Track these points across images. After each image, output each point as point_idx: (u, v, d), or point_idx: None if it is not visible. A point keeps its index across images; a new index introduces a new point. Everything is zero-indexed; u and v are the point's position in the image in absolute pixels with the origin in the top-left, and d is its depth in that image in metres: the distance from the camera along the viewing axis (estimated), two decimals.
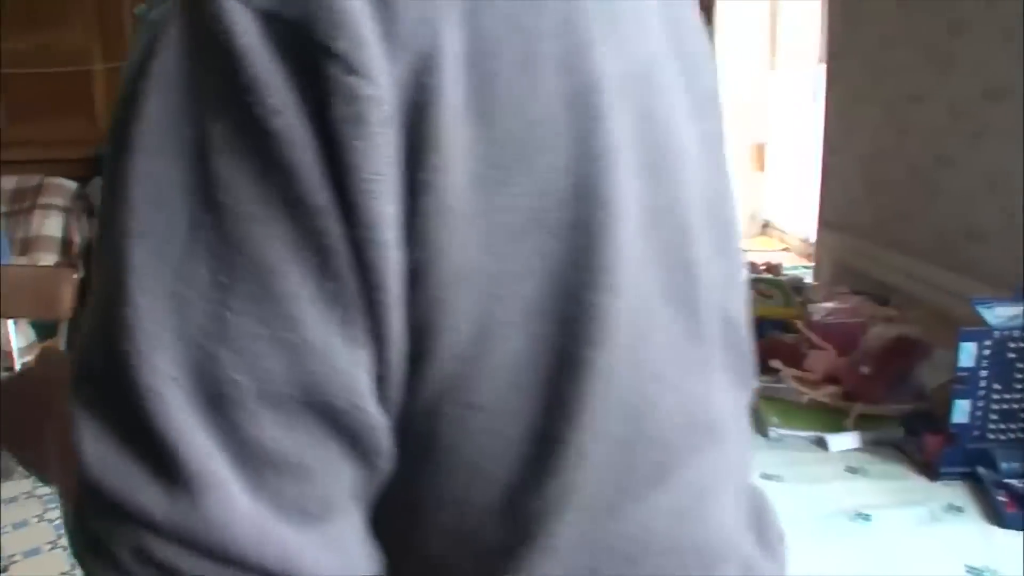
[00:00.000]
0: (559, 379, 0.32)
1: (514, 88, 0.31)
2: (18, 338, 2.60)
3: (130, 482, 0.29)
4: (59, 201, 3.89)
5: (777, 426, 1.20)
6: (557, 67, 0.31)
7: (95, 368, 0.31)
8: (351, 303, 0.30)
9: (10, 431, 0.50)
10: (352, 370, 0.30)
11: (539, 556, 0.33)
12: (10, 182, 3.96)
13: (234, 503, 0.29)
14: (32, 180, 3.95)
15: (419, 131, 0.29)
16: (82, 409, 0.30)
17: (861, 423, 1.18)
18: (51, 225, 3.82)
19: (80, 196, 3.97)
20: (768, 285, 1.68)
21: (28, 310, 2.59)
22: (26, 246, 3.73)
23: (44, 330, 3.10)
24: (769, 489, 0.51)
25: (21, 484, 2.66)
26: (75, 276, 2.48)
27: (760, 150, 3.50)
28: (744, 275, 0.50)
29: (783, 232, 3.31)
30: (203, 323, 0.29)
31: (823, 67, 2.38)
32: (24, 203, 3.90)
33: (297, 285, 0.29)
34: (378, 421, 0.31)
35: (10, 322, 2.55)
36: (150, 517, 0.29)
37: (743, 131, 3.38)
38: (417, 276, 0.30)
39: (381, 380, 0.31)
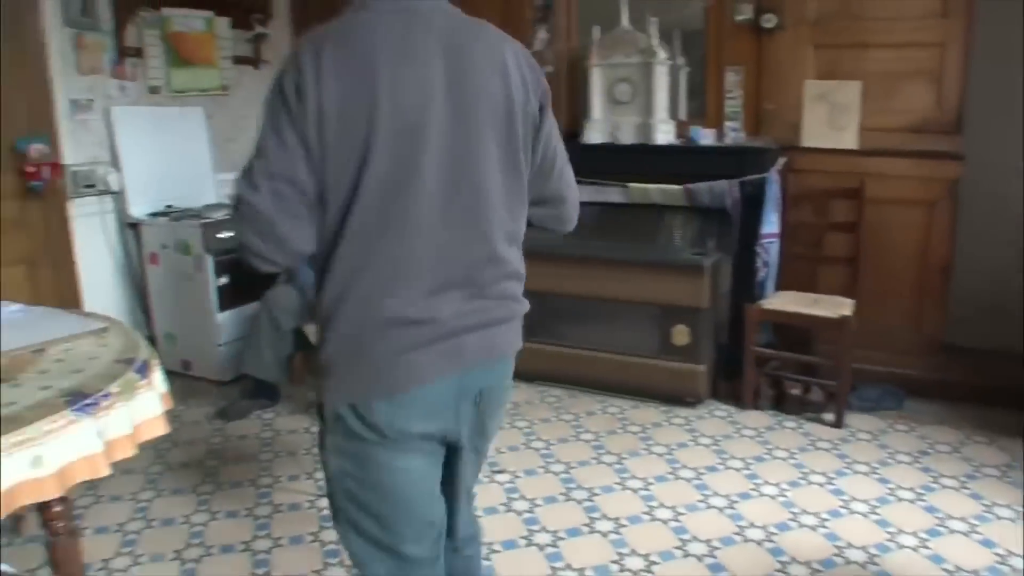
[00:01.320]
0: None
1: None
2: None
3: (245, 191, 1.32)
4: None
5: None
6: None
7: (244, 173, 1.33)
8: (301, 152, 1.30)
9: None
10: (298, 168, 1.30)
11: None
12: None
13: (263, 200, 1.30)
14: None
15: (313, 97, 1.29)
16: (240, 180, 1.33)
17: None
18: None
19: None
20: None
21: None
22: None
23: None
24: None
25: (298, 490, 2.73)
26: None
27: None
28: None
29: None
30: (256, 157, 1.32)
31: None
32: None
33: (275, 142, 1.30)
34: (309, 185, 1.31)
35: None
36: (251, 206, 1.31)
37: None
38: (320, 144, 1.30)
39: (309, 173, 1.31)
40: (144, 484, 2.96)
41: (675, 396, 3.57)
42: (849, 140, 3.56)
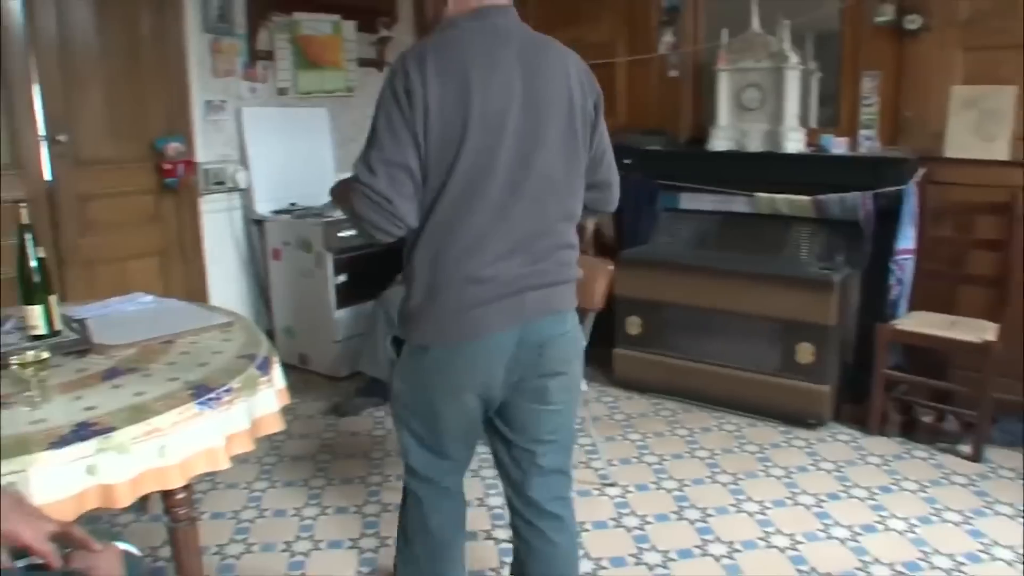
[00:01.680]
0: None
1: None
2: None
3: (365, 175, 1.56)
4: None
5: None
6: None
7: (362, 159, 1.58)
8: (412, 144, 1.55)
9: (339, 196, 1.78)
10: (409, 157, 1.55)
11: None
12: None
13: (381, 183, 1.54)
14: None
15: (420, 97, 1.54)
16: (359, 165, 1.58)
17: None
18: None
19: None
20: None
21: None
22: None
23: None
24: None
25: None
26: (610, 268, 2.72)
27: None
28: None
29: None
30: (365, 149, 1.58)
31: None
32: None
33: (389, 136, 1.56)
34: (416, 171, 1.56)
35: None
36: (370, 187, 1.55)
37: None
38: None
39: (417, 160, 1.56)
40: (259, 474, 3.04)
41: (796, 416, 3.40)
42: (1000, 150, 3.29)
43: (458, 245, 1.61)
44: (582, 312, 2.78)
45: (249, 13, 4.18)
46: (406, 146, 1.55)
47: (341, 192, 1.74)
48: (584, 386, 2.71)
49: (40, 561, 1.23)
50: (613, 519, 2.70)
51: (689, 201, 3.91)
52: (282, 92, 4.41)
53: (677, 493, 2.87)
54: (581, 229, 4.01)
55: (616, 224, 4.17)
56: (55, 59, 3.49)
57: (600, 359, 3.92)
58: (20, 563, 1.24)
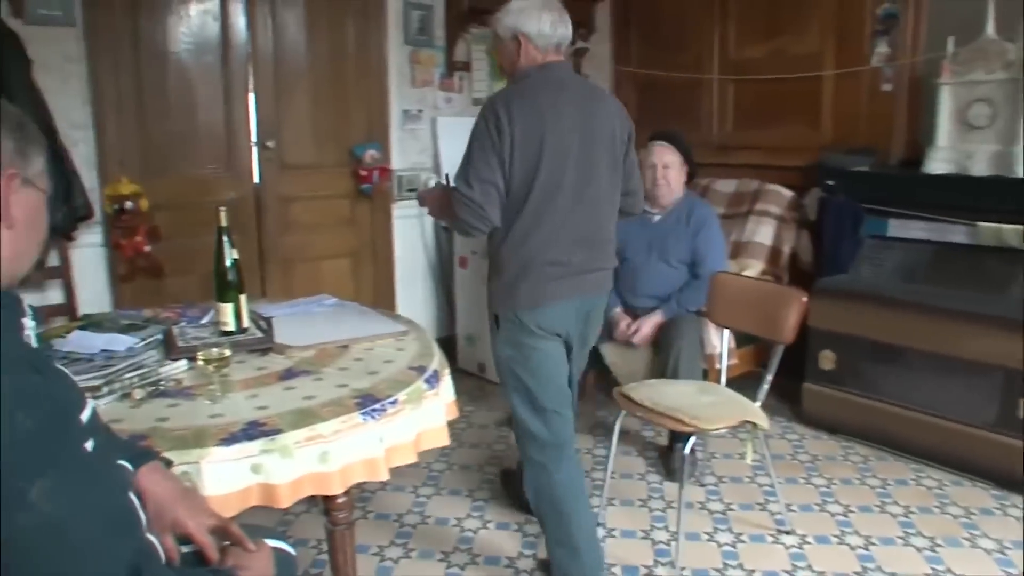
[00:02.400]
0: None
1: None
2: (724, 343, 2.84)
3: (464, 188, 2.09)
4: (774, 209, 3.95)
5: None
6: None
7: (462, 177, 2.12)
8: (498, 166, 2.09)
9: (437, 203, 2.34)
10: (496, 176, 2.10)
11: None
12: (730, 185, 4.19)
13: (477, 194, 2.08)
14: (751, 185, 4.10)
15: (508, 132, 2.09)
16: (453, 195, 2.14)
17: None
18: (763, 232, 3.90)
19: (794, 206, 3.98)
20: None
21: (749, 323, 2.75)
22: (737, 250, 3.88)
23: (745, 338, 3.33)
24: None
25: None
26: (803, 300, 2.56)
27: None
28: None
29: None
30: (463, 168, 2.13)
31: None
32: (741, 207, 4.06)
33: (481, 160, 2.09)
34: (501, 188, 2.12)
35: (725, 330, 2.84)
36: (469, 198, 2.09)
37: None
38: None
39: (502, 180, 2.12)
40: (426, 479, 3.08)
41: (1012, 480, 2.98)
42: None
43: (539, 239, 2.17)
44: (770, 344, 2.60)
45: (448, 25, 4.30)
46: (495, 168, 2.11)
47: (440, 199, 2.34)
48: (765, 422, 2.53)
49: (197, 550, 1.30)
50: (786, 572, 2.48)
51: (898, 228, 3.55)
52: (477, 103, 4.49)
53: (862, 551, 2.59)
54: (777, 254, 3.82)
55: (814, 250, 3.88)
56: (270, 71, 3.75)
57: (786, 392, 3.66)
58: (184, 548, 1.30)
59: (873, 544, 2.63)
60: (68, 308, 3.25)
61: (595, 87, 2.42)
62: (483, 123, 2.11)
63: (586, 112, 2.20)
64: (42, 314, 3.09)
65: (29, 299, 3.12)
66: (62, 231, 3.18)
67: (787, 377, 3.44)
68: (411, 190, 4.27)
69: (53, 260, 3.25)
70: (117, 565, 0.98)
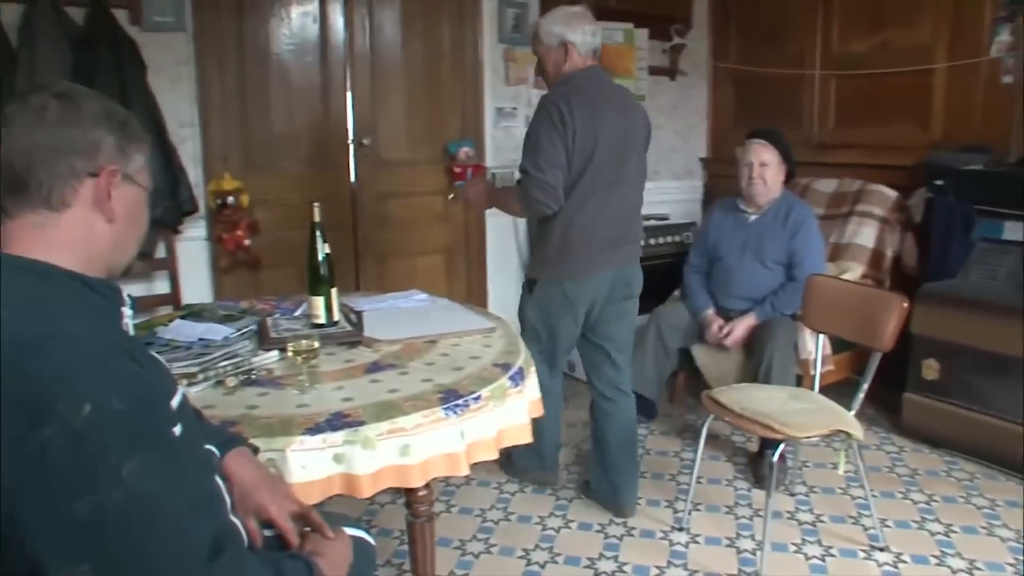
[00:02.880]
0: None
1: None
2: (819, 348, 2.75)
3: (536, 172, 2.46)
4: (877, 210, 3.80)
5: None
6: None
7: (531, 162, 2.48)
8: (564, 150, 2.46)
9: (485, 197, 2.90)
10: (564, 160, 2.47)
11: None
12: (830, 185, 4.05)
13: (549, 177, 2.45)
14: (853, 185, 3.95)
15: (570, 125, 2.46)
16: (524, 177, 2.52)
17: None
18: (865, 234, 3.76)
19: (899, 207, 3.81)
20: None
21: (845, 328, 2.65)
22: (836, 252, 3.77)
23: (842, 344, 3.26)
24: None
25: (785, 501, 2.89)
26: (904, 305, 2.44)
27: None
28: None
29: None
30: (532, 153, 2.49)
31: None
32: (842, 208, 3.91)
33: (551, 147, 2.45)
34: (565, 170, 2.49)
35: (821, 335, 2.76)
36: (544, 180, 2.45)
37: None
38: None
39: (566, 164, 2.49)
40: (512, 476, 3.09)
41: None
42: None
43: (584, 217, 2.54)
44: (867, 351, 2.48)
45: None
46: (561, 154, 2.45)
47: (485, 190, 2.91)
48: (859, 431, 2.43)
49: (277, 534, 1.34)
50: None
51: (1015, 231, 3.33)
52: None
53: None
54: (879, 257, 3.65)
55: (920, 253, 3.70)
56: (366, 69, 3.83)
57: (886, 402, 3.51)
58: (267, 532, 1.34)
59: (978, 569, 2.47)
60: (173, 298, 3.41)
61: (626, 90, 2.78)
62: (548, 116, 2.45)
63: (623, 111, 2.59)
64: (148, 303, 3.25)
65: (138, 289, 3.33)
66: (169, 224, 3.34)
67: (887, 386, 3.31)
68: (504, 187, 4.28)
69: (160, 252, 3.42)
70: (200, 543, 1.02)
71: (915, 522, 2.75)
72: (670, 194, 4.94)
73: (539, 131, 2.46)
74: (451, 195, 2.86)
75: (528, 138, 2.51)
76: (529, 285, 2.73)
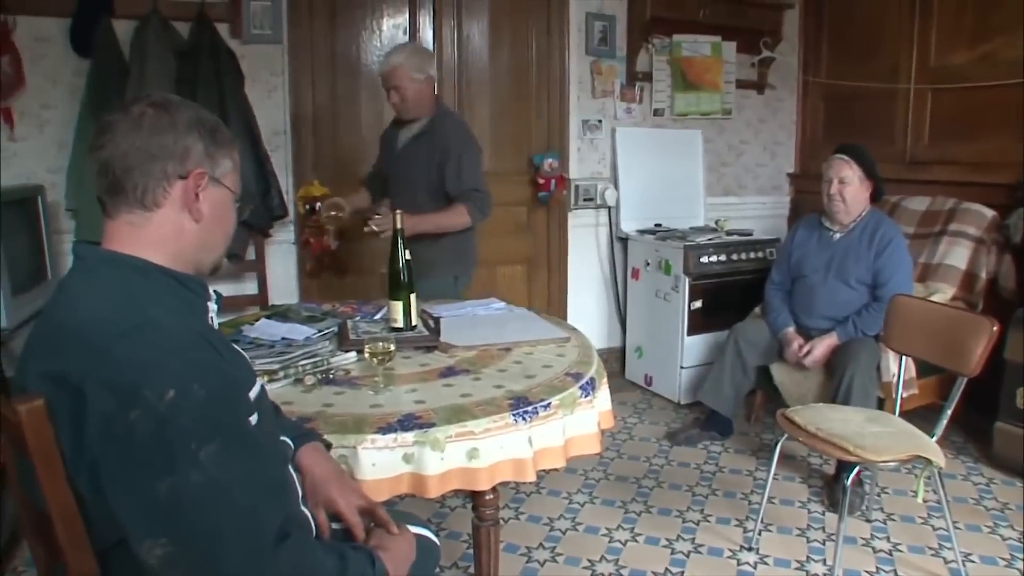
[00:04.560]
0: None
1: None
2: (901, 371, 2.67)
3: (485, 188, 2.94)
4: (971, 230, 3.63)
5: None
6: None
7: (479, 183, 2.91)
8: None
9: (433, 225, 2.89)
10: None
11: None
12: (922, 203, 3.89)
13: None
14: (946, 203, 3.79)
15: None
16: (476, 194, 2.89)
17: None
18: (957, 254, 3.59)
19: (996, 227, 3.63)
20: None
21: (929, 351, 2.55)
22: (925, 272, 3.63)
23: (929, 368, 3.15)
24: None
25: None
26: (994, 329, 2.31)
27: None
28: None
29: None
30: (477, 174, 2.97)
31: None
32: (933, 227, 3.76)
33: (481, 166, 3.00)
34: None
35: (904, 358, 2.67)
36: (488, 193, 2.95)
37: None
38: None
39: None
40: (581, 486, 3.10)
41: None
42: None
43: None
44: (952, 376, 2.40)
45: (629, 36, 4.30)
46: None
47: (431, 220, 2.86)
48: (940, 459, 2.34)
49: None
50: None
51: None
52: (657, 113, 4.46)
53: None
54: (972, 279, 3.50)
55: (1018, 276, 3.54)
56: (454, 81, 3.92)
57: (976, 431, 3.37)
58: (335, 525, 1.41)
59: None
60: (261, 298, 3.56)
61: None
62: (472, 139, 2.95)
63: None
64: (237, 303, 3.41)
65: (228, 289, 3.49)
66: (259, 228, 3.48)
67: (979, 415, 3.18)
68: (588, 199, 4.31)
69: (250, 254, 3.57)
70: (268, 527, 1.08)
71: (1003, 559, 2.62)
72: (754, 209, 4.87)
73: (473, 153, 2.91)
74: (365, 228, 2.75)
75: (463, 160, 2.85)
76: (455, 280, 3.06)
